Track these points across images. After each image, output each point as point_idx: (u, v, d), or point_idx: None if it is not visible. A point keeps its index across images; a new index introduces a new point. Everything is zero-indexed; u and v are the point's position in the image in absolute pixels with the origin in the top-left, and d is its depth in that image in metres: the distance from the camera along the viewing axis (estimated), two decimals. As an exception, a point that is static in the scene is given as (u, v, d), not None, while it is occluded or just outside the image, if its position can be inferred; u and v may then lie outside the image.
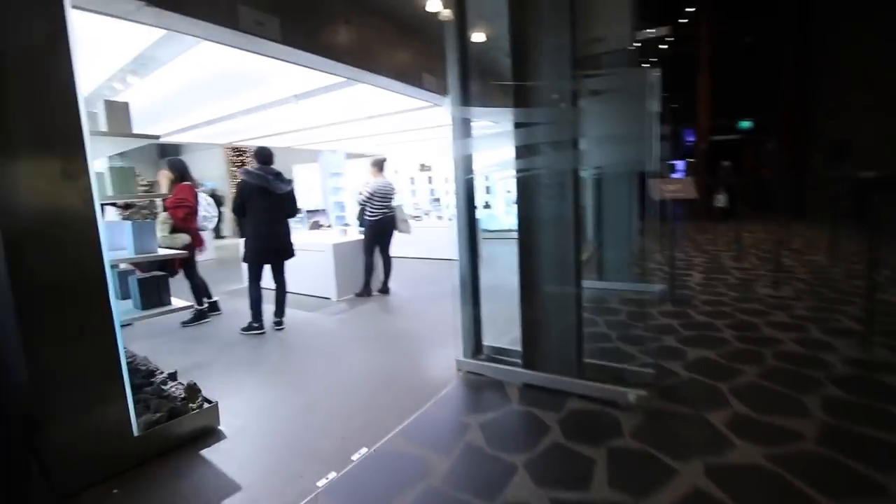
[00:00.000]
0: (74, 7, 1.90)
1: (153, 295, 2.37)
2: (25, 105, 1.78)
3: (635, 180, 5.05)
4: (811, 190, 10.99)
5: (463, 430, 2.31)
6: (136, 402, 2.36)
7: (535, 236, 2.67)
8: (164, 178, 4.59)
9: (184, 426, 2.30)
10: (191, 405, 2.40)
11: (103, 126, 2.22)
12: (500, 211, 10.07)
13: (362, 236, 5.36)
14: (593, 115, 2.48)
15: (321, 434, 2.35)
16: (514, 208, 2.70)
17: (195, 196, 4.49)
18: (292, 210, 4.26)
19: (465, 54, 2.80)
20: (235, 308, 4.79)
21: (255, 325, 4.07)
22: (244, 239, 4.11)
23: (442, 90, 3.22)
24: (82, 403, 1.95)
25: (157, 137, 2.37)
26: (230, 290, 5.68)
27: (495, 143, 2.79)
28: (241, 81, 4.08)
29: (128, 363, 2.93)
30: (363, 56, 3.81)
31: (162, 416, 2.26)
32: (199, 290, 4.58)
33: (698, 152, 12.74)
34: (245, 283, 4.35)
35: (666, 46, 10.93)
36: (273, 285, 4.25)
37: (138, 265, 4.31)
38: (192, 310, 4.54)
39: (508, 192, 9.79)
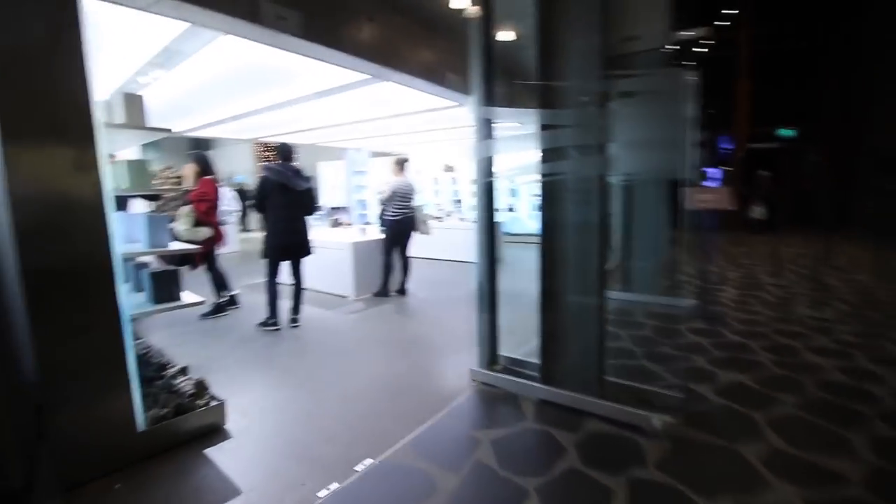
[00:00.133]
0: (92, -4, 1.87)
1: (165, 289, 2.34)
2: (38, 95, 1.76)
3: (666, 188, 4.82)
4: (857, 204, 10.38)
5: (473, 446, 2.20)
6: (145, 396, 2.33)
7: (557, 243, 2.53)
8: (189, 171, 4.64)
9: (190, 423, 2.26)
10: (198, 402, 2.36)
11: (120, 118, 2.20)
12: (525, 214, 9.89)
13: (382, 236, 5.30)
14: (624, 118, 2.33)
15: (326, 440, 2.27)
16: (539, 212, 2.56)
17: (216, 190, 4.51)
18: (311, 207, 4.22)
19: (490, 52, 2.68)
20: (254, 302, 4.78)
21: (271, 320, 4.05)
22: (263, 234, 4.09)
23: (466, 90, 3.11)
24: (88, 396, 1.93)
25: (169, 131, 2.34)
26: (251, 284, 5.70)
27: (519, 145, 2.66)
28: (265, 77, 4.06)
29: (141, 355, 2.94)
30: (386, 53, 3.73)
31: (168, 411, 2.22)
32: (219, 283, 4.61)
33: (735, 161, 12.23)
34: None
35: (704, 49, 10.53)
36: (292, 281, 4.23)
37: (163, 257, 4.37)
38: (211, 303, 4.57)
39: (535, 195, 9.61)
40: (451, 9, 3.70)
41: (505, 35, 2.87)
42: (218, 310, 4.56)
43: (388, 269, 5.22)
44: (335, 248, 5.23)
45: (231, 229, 8.83)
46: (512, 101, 2.75)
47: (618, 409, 2.38)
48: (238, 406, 2.59)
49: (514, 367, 3.01)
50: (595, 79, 2.23)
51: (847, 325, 3.86)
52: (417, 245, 5.87)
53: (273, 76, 4.04)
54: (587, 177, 2.30)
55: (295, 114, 5.62)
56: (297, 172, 4.05)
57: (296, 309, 4.21)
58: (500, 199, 2.90)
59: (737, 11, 11.82)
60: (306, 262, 4.32)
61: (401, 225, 5.11)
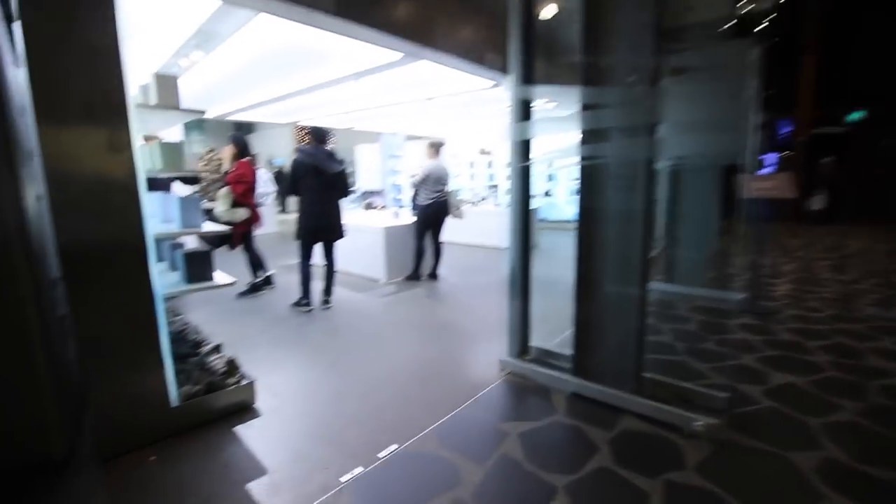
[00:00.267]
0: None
1: (198, 269, 2.38)
2: (71, 77, 1.77)
3: (717, 174, 4.50)
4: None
5: (500, 438, 2.13)
6: (179, 373, 2.40)
7: (596, 229, 2.38)
8: (227, 153, 4.73)
9: (221, 400, 2.31)
10: (229, 380, 2.41)
11: (154, 100, 2.21)
12: (562, 200, 9.60)
13: (414, 220, 5.25)
14: (677, 97, 2.13)
15: (352, 423, 2.26)
16: (576, 198, 2.42)
17: (253, 172, 4.58)
18: (344, 190, 4.21)
19: (530, 27, 2.52)
20: (289, 282, 4.87)
21: (304, 301, 4.10)
22: (297, 217, 4.12)
23: (504, 69, 2.96)
24: (124, 372, 1.99)
25: (202, 112, 2.35)
26: (286, 265, 5.82)
27: (559, 126, 2.51)
28: (300, 58, 4.03)
29: (179, 332, 3.03)
30: (422, 31, 3.61)
31: (201, 388, 2.27)
32: (255, 263, 4.71)
33: (795, 145, 11.35)
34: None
35: (765, 23, 9.72)
36: (324, 263, 4.27)
37: (203, 238, 4.51)
38: (247, 282, 4.69)
39: (573, 180, 9.29)
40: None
41: (547, 8, 2.70)
42: (254, 289, 4.67)
43: (419, 254, 5.18)
44: (367, 232, 5.23)
45: (269, 211, 9.06)
46: (552, 80, 2.59)
47: (656, 408, 2.25)
48: (268, 385, 2.63)
49: (546, 358, 2.90)
50: (646, 53, 2.04)
51: (920, 326, 3.50)
52: (450, 230, 5.80)
53: (308, 57, 4.01)
54: (633, 161, 2.13)
55: (331, 96, 5.61)
56: (330, 155, 4.04)
57: (328, 290, 4.25)
58: (537, 184, 2.75)
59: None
60: (339, 245, 4.34)
61: (433, 209, 5.04)
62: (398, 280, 5.23)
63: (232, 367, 2.49)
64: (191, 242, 5.41)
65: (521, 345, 2.90)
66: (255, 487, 1.81)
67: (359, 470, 1.90)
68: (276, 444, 2.10)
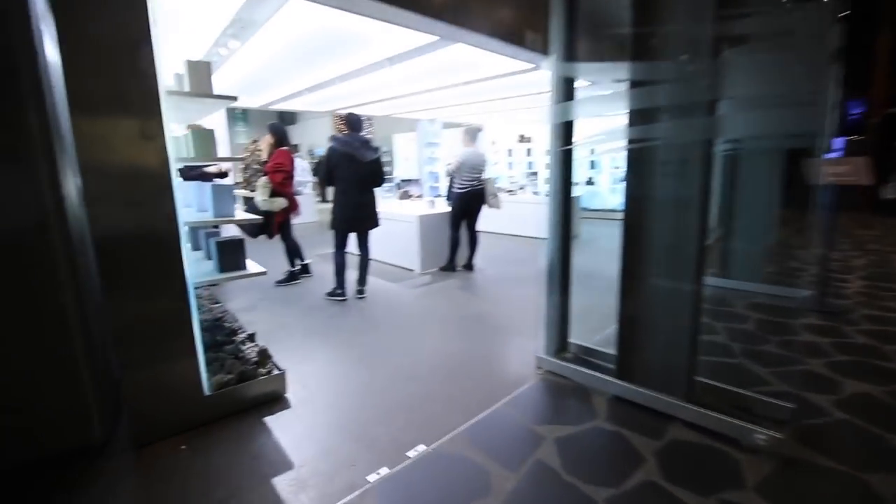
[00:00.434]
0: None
1: (231, 258, 2.37)
2: (103, 65, 1.76)
3: (777, 158, 4.10)
4: None
5: (536, 442, 2.00)
6: (213, 361, 2.42)
7: (645, 219, 2.17)
8: (265, 143, 4.77)
9: (252, 390, 2.30)
10: (260, 370, 2.40)
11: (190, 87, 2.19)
12: (605, 188, 9.19)
13: (449, 209, 5.14)
14: (741, 69, 1.88)
15: (381, 419, 2.20)
16: (621, 185, 2.21)
17: (292, 161, 4.59)
18: (378, 179, 4.14)
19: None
20: (326, 271, 4.88)
21: (338, 291, 4.10)
22: (331, 206, 4.10)
23: (545, 49, 2.76)
24: (157, 360, 2.00)
25: (235, 99, 2.31)
26: (324, 254, 5.86)
27: (604, 106, 2.30)
28: (335, 44, 3.98)
29: (217, 319, 3.07)
30: (459, 12, 3.45)
31: (233, 378, 2.27)
32: (293, 252, 4.76)
33: (867, 128, 10.31)
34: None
35: (839, -8, 8.80)
36: (359, 252, 4.24)
37: (242, 226, 4.59)
38: (285, 271, 4.75)
39: (617, 168, 8.86)
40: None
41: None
42: (291, 278, 4.72)
43: (454, 244, 5.07)
44: (402, 221, 5.17)
45: (308, 200, 9.21)
46: (597, 56, 2.37)
47: (710, 416, 2.04)
48: (299, 375, 2.62)
49: (586, 356, 2.73)
50: (705, 20, 1.80)
51: None
52: (487, 219, 5.65)
53: (342, 43, 3.95)
54: (688, 143, 1.91)
55: (368, 83, 5.56)
56: (365, 143, 3.97)
57: (362, 280, 4.22)
58: (578, 171, 2.56)
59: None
60: (373, 234, 4.29)
61: (469, 198, 4.89)
62: (433, 270, 5.15)
63: (264, 356, 2.48)
64: (234, 231, 5.56)
65: (560, 342, 2.74)
66: (280, 482, 1.77)
67: (385, 470, 1.82)
68: (304, 438, 2.06)
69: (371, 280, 4.56)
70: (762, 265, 4.37)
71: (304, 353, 2.96)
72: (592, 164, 9.32)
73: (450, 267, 5.12)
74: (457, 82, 5.71)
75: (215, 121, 7.63)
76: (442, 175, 8.59)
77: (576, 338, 2.79)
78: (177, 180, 1.98)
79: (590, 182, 9.35)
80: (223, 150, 7.85)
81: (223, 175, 5.00)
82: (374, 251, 4.57)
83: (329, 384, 2.57)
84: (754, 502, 1.63)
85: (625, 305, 2.35)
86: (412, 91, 6.36)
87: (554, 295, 2.71)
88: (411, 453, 1.93)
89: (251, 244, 6.61)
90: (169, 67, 2.43)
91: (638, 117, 2.05)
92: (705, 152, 1.86)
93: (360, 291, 4.20)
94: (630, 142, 2.11)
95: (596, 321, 3.03)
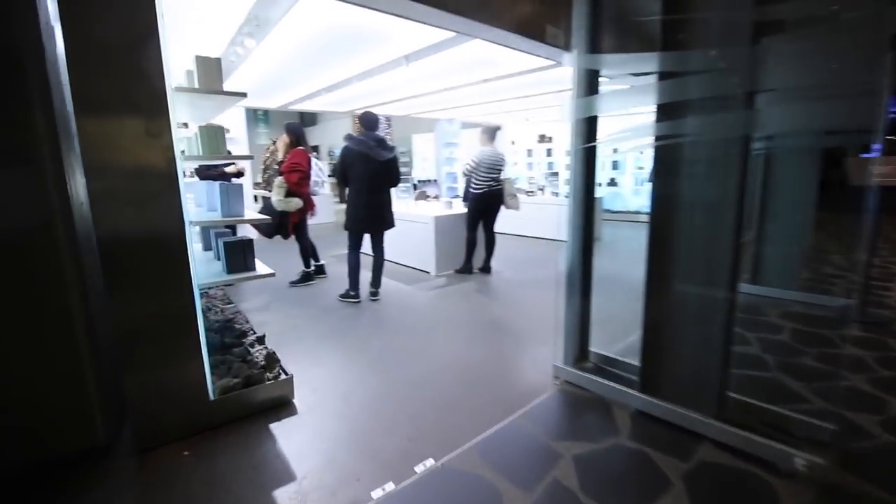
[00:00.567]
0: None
1: (238, 259, 2.31)
2: (109, 62, 1.72)
3: (814, 157, 3.86)
4: None
5: (552, 459, 1.87)
6: (221, 363, 2.37)
7: (674, 221, 2.02)
8: (282, 143, 4.76)
9: (258, 395, 2.24)
10: (267, 374, 2.34)
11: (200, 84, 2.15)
12: (628, 189, 8.93)
13: (466, 210, 5.02)
14: (785, 57, 1.72)
15: (389, 429, 2.10)
16: (644, 187, 2.07)
17: (308, 161, 4.56)
18: (395, 178, 4.07)
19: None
20: (341, 272, 4.84)
21: (352, 293, 4.03)
22: (346, 206, 4.04)
23: (566, 44, 2.63)
24: (161, 363, 1.95)
25: (244, 95, 2.25)
26: (339, 254, 5.83)
27: (629, 101, 2.15)
28: (351, 42, 3.91)
29: (228, 320, 3.03)
30: (478, 6, 3.33)
31: (239, 382, 2.21)
32: (308, 252, 4.72)
33: (911, 126, 9.75)
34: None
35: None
36: (373, 253, 4.17)
37: (258, 227, 4.58)
38: (299, 271, 4.71)
39: (640, 168, 8.59)
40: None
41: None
42: (305, 278, 4.69)
43: (471, 246, 4.95)
44: (417, 222, 5.08)
45: (326, 200, 9.23)
46: (622, 49, 2.23)
47: (743, 437, 1.88)
48: (308, 380, 2.55)
49: (607, 366, 2.59)
50: (744, 4, 1.65)
51: None
52: (506, 220, 5.52)
53: (359, 40, 3.88)
54: (723, 139, 1.76)
55: (386, 81, 5.49)
56: (381, 142, 3.90)
57: (376, 282, 4.15)
58: (600, 171, 2.42)
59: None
60: (388, 235, 4.22)
61: (487, 198, 4.77)
62: (448, 273, 5.04)
63: (271, 360, 2.42)
64: (251, 231, 5.57)
65: (579, 350, 2.60)
66: (281, 495, 1.69)
67: (390, 486, 1.73)
68: (308, 447, 1.98)
69: (385, 282, 4.49)
70: (796, 271, 4.12)
71: (314, 357, 2.90)
72: (615, 165, 9.07)
73: (466, 269, 5.01)
74: (475, 80, 5.60)
75: (234, 121, 7.73)
76: (460, 175, 8.50)
77: (596, 346, 2.65)
78: (183, 179, 1.93)
79: (612, 183, 9.10)
80: (242, 149, 7.94)
81: (241, 174, 5.01)
82: (390, 252, 4.49)
83: (338, 390, 2.49)
84: (795, 536, 1.47)
85: (650, 312, 2.20)
86: (430, 90, 6.27)
87: (573, 300, 2.57)
88: (419, 468, 1.82)
89: (267, 244, 6.64)
90: (181, 65, 2.41)
91: (667, 112, 1.91)
92: (743, 149, 1.71)
93: (374, 293, 4.12)
94: (658, 139, 1.96)
95: (618, 329, 2.88)
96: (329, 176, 8.27)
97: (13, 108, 1.71)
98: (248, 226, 4.28)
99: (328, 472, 1.82)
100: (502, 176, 4.83)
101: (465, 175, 4.86)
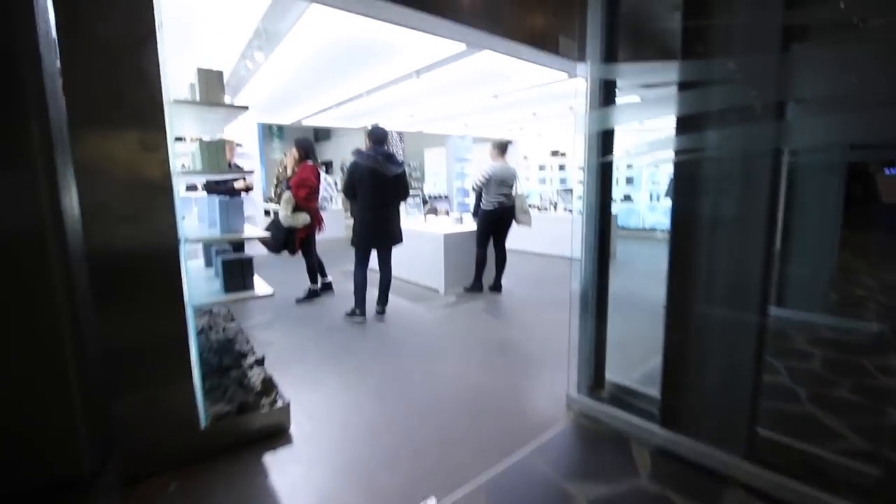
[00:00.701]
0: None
1: (237, 278, 2.22)
2: (105, 72, 1.66)
3: (839, 172, 3.68)
4: None
5: (565, 503, 1.71)
6: (216, 388, 2.26)
7: (697, 240, 1.88)
8: (291, 157, 4.72)
9: (252, 423, 2.12)
10: (263, 400, 2.22)
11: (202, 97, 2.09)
12: (643, 205, 8.74)
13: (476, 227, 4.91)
14: (817, 64, 1.59)
15: (389, 463, 1.96)
16: (660, 203, 1.93)
17: (317, 176, 4.51)
18: (403, 193, 3.98)
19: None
20: (348, 289, 4.74)
21: (358, 311, 3.92)
22: (353, 222, 3.96)
23: (580, 57, 2.54)
24: (148, 388, 1.85)
25: (246, 108, 2.19)
26: (347, 271, 5.73)
27: (647, 113, 2.03)
28: (362, 55, 3.89)
29: (228, 340, 2.94)
30: (489, 17, 3.27)
31: (232, 409, 2.10)
32: (314, 269, 4.64)
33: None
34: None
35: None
36: (380, 270, 4.07)
37: (265, 243, 4.52)
38: (306, 288, 4.63)
39: (655, 183, 8.42)
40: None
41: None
42: (312, 295, 4.60)
43: (481, 263, 4.82)
44: (426, 239, 4.97)
45: (337, 215, 9.20)
46: (639, 57, 2.12)
47: (775, 481, 1.70)
48: (307, 405, 2.43)
49: (625, 396, 2.41)
50: (773, 6, 1.53)
51: None
52: (517, 237, 5.39)
53: (369, 53, 3.85)
54: (752, 152, 1.62)
55: (396, 95, 5.47)
56: (390, 157, 3.82)
57: (382, 300, 4.03)
58: (614, 186, 2.29)
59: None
60: (397, 252, 4.12)
61: (497, 215, 4.65)
62: (458, 291, 4.91)
63: (268, 385, 2.31)
64: (258, 247, 5.52)
65: (594, 379, 2.43)
66: (269, 538, 1.56)
67: (389, 528, 1.59)
68: (302, 482, 1.85)
69: (393, 300, 4.38)
70: (824, 292, 3.90)
71: (315, 380, 2.78)
72: (629, 180, 8.90)
73: (476, 287, 4.87)
74: (487, 94, 5.55)
75: (247, 135, 7.78)
76: (471, 191, 8.44)
77: (612, 373, 2.48)
78: (184, 194, 1.86)
79: (627, 198, 8.93)
80: (254, 163, 7.97)
81: (249, 189, 4.99)
82: (398, 269, 4.39)
83: (337, 417, 2.36)
84: None
85: (671, 338, 2.05)
86: (441, 104, 6.25)
87: (588, 324, 2.42)
88: (419, 509, 1.68)
89: (274, 259, 6.59)
90: (188, 79, 2.36)
91: (689, 125, 1.78)
92: (774, 163, 1.57)
93: (381, 312, 4.01)
94: (679, 153, 1.83)
95: (635, 354, 2.71)
96: (339, 191, 8.27)
97: (9, 118, 1.66)
98: (257, 241, 4.22)
99: (321, 511, 1.69)
100: (513, 191, 4.72)
101: (475, 190, 4.76)
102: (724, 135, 1.67)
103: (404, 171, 3.95)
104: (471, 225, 5.13)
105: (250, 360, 2.67)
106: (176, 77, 2.40)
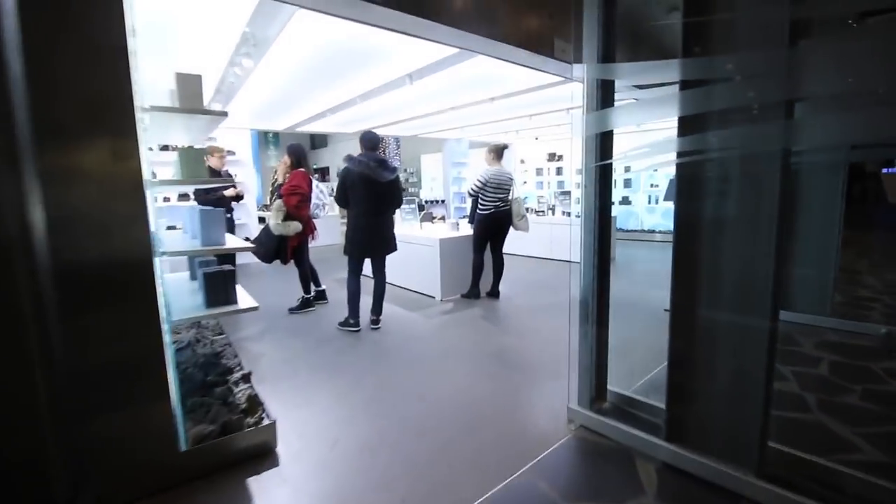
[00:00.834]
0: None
1: (219, 292, 2.12)
2: (74, 77, 1.57)
3: (842, 172, 3.62)
4: None
5: (567, 526, 1.60)
6: (199, 406, 2.16)
7: (702, 243, 1.79)
8: (282, 165, 4.63)
9: (236, 444, 2.01)
10: (248, 419, 2.11)
11: (178, 102, 2.00)
12: (641, 207, 8.67)
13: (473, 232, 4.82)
14: (830, 59, 1.51)
15: (380, 487, 1.85)
16: (658, 205, 1.84)
17: (309, 183, 4.42)
18: (397, 200, 3.89)
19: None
20: (342, 298, 4.62)
21: (352, 321, 3.82)
22: (345, 230, 3.86)
23: (577, 60, 2.46)
24: (120, 409, 1.74)
25: (225, 114, 2.10)
26: (342, 278, 5.63)
27: (647, 114, 1.95)
28: (353, 60, 3.81)
29: (215, 354, 2.83)
30: (481, 20, 3.19)
31: (214, 430, 1.99)
32: (307, 278, 4.54)
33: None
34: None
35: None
36: (374, 278, 3.97)
37: (257, 253, 4.42)
38: (299, 297, 4.53)
39: (654, 185, 8.34)
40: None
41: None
42: (305, 305, 4.49)
43: (478, 269, 4.73)
44: (422, 245, 4.88)
45: (333, 221, 9.10)
46: (637, 57, 2.04)
47: (790, 500, 1.60)
48: (296, 422, 2.32)
49: (628, 407, 2.32)
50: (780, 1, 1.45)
51: None
52: (514, 242, 5.30)
53: (358, 57, 3.77)
54: (760, 153, 1.54)
55: (390, 101, 5.40)
56: (382, 162, 3.73)
57: (377, 309, 3.93)
58: (613, 189, 2.20)
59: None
60: (392, 259, 4.02)
61: (494, 219, 4.56)
62: (454, 298, 4.81)
63: (253, 403, 2.20)
64: (250, 257, 5.41)
65: (596, 390, 2.33)
66: (250, 572, 1.45)
67: (379, 559, 1.48)
68: (289, 507, 1.75)
69: (388, 307, 4.27)
70: (829, 294, 3.81)
71: (305, 395, 2.67)
72: (627, 182, 8.83)
73: (473, 294, 4.77)
74: (482, 98, 5.47)
75: (241, 142, 7.70)
76: (468, 196, 8.36)
77: (614, 382, 2.38)
78: (159, 204, 1.76)
79: (625, 201, 8.86)
80: (248, 171, 7.88)
81: (240, 198, 4.89)
82: (393, 276, 4.29)
83: (328, 435, 2.25)
84: None
85: (676, 346, 1.95)
86: (436, 109, 6.17)
87: (588, 333, 2.32)
88: (412, 537, 1.57)
89: (267, 269, 6.47)
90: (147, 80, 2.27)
91: (692, 125, 1.69)
92: (784, 163, 1.48)
93: (375, 321, 3.90)
94: (680, 154, 1.74)
95: (637, 361, 2.62)
96: (331, 197, 8.20)
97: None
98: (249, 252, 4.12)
99: (307, 541, 1.58)
100: (510, 196, 4.63)
101: (472, 195, 4.67)
102: (730, 134, 1.58)
103: (397, 177, 3.87)
104: (467, 230, 5.04)
105: (237, 375, 2.56)
106: (162, 84, 2.30)
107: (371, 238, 3.79)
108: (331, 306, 4.60)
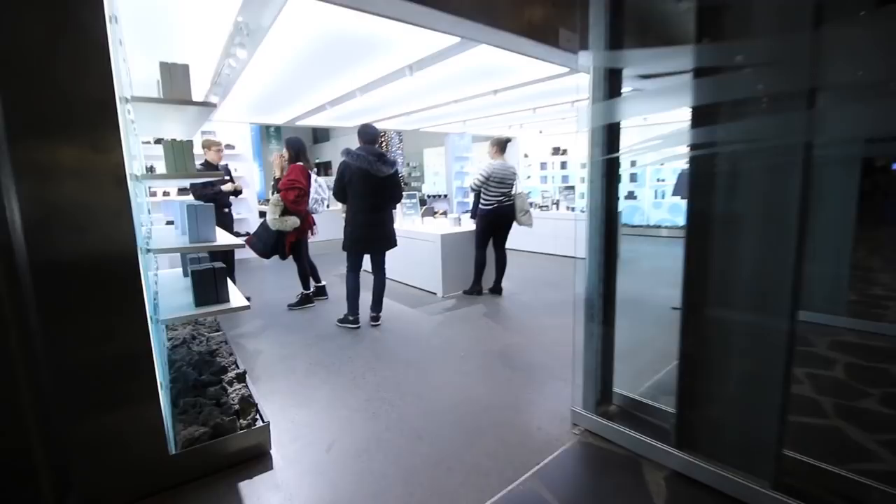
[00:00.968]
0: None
1: (208, 291, 2.04)
2: (47, 70, 1.49)
3: (857, 167, 3.50)
4: None
5: (570, 539, 1.52)
6: (191, 407, 2.09)
7: (715, 240, 1.70)
8: (278, 158, 4.55)
9: (228, 447, 1.94)
10: (241, 422, 2.04)
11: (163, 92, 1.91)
12: (648, 202, 8.53)
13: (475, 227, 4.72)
14: (857, 45, 1.40)
15: (375, 494, 1.77)
16: (664, 200, 1.74)
17: (307, 177, 4.33)
18: (396, 195, 3.80)
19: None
20: (343, 293, 4.54)
21: (351, 318, 3.75)
22: (344, 225, 3.78)
23: (583, 46, 2.34)
24: (111, 413, 1.68)
25: (215, 106, 2.02)
26: (343, 274, 5.56)
27: (657, 104, 1.84)
28: (351, 51, 3.70)
29: (210, 352, 2.76)
30: (481, 8, 3.08)
31: (206, 432, 1.92)
32: (307, 274, 4.47)
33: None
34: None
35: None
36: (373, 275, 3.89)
37: (254, 248, 4.35)
38: (298, 293, 4.46)
39: (660, 180, 8.20)
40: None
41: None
42: (305, 301, 4.42)
43: (480, 265, 4.63)
44: (423, 240, 4.79)
45: (334, 215, 9.02)
46: (645, 44, 1.93)
47: (810, 514, 1.51)
48: (292, 424, 2.25)
49: (635, 411, 2.23)
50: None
51: None
52: (518, 237, 5.20)
53: (357, 47, 3.66)
54: (780, 145, 1.44)
55: (391, 93, 5.28)
56: (381, 156, 3.64)
57: (376, 306, 3.85)
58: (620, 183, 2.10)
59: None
60: (393, 254, 3.94)
61: (497, 215, 4.46)
62: (456, 294, 4.73)
63: (247, 404, 2.13)
64: (248, 253, 5.34)
65: (601, 392, 2.25)
66: (237, 586, 1.38)
67: (372, 573, 1.40)
68: (280, 514, 1.67)
69: (389, 304, 4.20)
70: (844, 293, 3.69)
71: (302, 395, 2.60)
72: (633, 177, 8.69)
73: (475, 290, 4.68)
74: (485, 91, 5.35)
75: (241, 136, 7.63)
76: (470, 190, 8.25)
77: (620, 384, 2.29)
78: (149, 199, 1.68)
79: (631, 195, 8.72)
80: (248, 165, 7.81)
81: (238, 192, 4.82)
82: (395, 272, 4.21)
83: (323, 437, 2.17)
84: None
85: (687, 347, 1.86)
86: (438, 102, 6.05)
87: (593, 332, 2.23)
88: (408, 549, 1.50)
89: (268, 264, 6.41)
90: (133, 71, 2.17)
91: (706, 116, 1.59)
92: (806, 157, 1.38)
93: (375, 318, 3.83)
94: (693, 146, 1.64)
95: (644, 362, 2.53)
96: (330, 191, 8.13)
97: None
98: (247, 247, 4.05)
99: (298, 552, 1.51)
100: (514, 190, 4.52)
101: (474, 190, 4.57)
102: (748, 125, 1.48)
103: (397, 172, 3.77)
104: (469, 226, 4.94)
105: (231, 374, 2.49)
106: (156, 76, 2.22)
107: (370, 234, 3.70)
108: (331, 303, 4.53)
